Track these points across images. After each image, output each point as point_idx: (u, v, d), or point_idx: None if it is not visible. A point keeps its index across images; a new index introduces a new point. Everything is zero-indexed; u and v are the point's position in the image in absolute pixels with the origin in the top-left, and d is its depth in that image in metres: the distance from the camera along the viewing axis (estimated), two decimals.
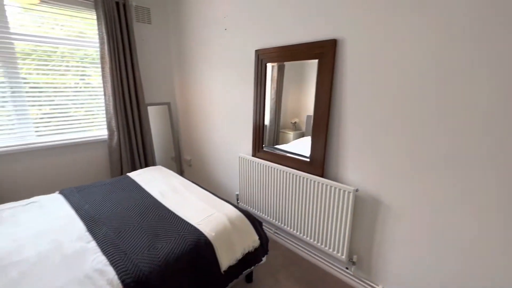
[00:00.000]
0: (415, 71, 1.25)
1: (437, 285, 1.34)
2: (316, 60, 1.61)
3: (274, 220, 2.05)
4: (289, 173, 1.83)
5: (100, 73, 2.39)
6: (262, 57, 1.94)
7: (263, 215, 2.13)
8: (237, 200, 2.40)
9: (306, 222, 1.81)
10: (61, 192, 1.82)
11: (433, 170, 1.26)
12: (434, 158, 1.25)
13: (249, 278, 1.69)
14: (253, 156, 2.14)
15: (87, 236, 1.33)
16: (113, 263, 1.12)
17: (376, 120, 1.41)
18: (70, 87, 2.36)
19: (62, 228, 1.39)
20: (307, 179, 1.72)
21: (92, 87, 2.49)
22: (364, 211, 1.55)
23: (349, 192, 1.51)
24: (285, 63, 1.90)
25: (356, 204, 1.56)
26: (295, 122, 2.02)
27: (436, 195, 1.27)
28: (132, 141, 2.62)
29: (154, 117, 2.91)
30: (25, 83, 2.12)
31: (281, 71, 1.96)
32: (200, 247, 1.28)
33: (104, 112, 2.50)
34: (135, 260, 1.15)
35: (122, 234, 1.33)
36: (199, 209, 1.57)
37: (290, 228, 1.94)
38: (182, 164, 3.27)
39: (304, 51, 1.67)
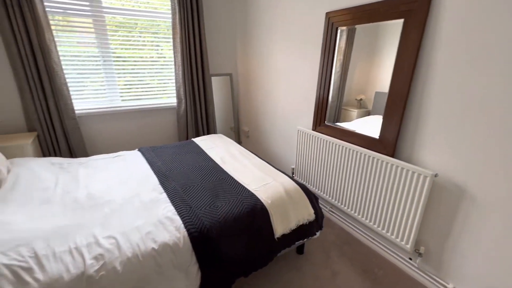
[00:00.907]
0: None
1: None
2: (401, 20, 1.36)
3: (330, 198, 1.97)
4: (353, 150, 1.69)
5: (171, 45, 2.56)
6: (333, 20, 1.75)
7: (319, 191, 2.06)
8: (292, 174, 2.38)
9: (366, 204, 1.68)
10: (139, 150, 2.09)
11: None
12: None
13: (300, 250, 1.70)
14: (313, 130, 2.05)
15: (160, 188, 1.50)
16: (180, 213, 1.25)
17: (477, 96, 1.14)
18: (146, 59, 2.61)
19: (140, 179, 1.61)
20: (373, 158, 1.56)
21: (164, 59, 2.69)
22: (441, 199, 1.34)
23: (425, 177, 1.31)
24: (357, 28, 1.68)
25: (432, 191, 1.36)
26: (360, 99, 1.82)
27: None
28: (197, 110, 2.80)
29: (216, 87, 3.01)
30: (113, 53, 2.42)
31: (350, 40, 1.75)
32: (256, 212, 1.32)
33: (174, 82, 2.70)
34: (198, 213, 1.25)
35: (187, 190, 1.47)
36: (256, 177, 1.61)
37: (348, 208, 1.83)
38: (240, 134, 3.38)
39: (385, 10, 1.43)
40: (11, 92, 2.08)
